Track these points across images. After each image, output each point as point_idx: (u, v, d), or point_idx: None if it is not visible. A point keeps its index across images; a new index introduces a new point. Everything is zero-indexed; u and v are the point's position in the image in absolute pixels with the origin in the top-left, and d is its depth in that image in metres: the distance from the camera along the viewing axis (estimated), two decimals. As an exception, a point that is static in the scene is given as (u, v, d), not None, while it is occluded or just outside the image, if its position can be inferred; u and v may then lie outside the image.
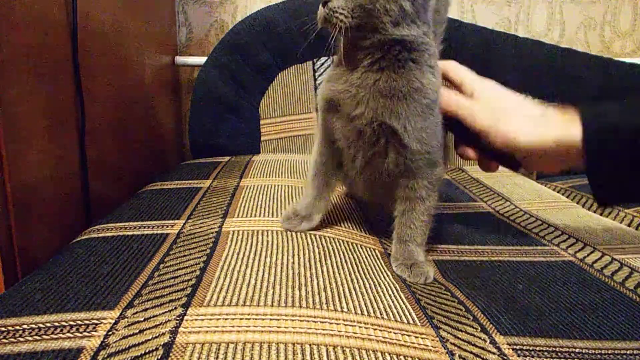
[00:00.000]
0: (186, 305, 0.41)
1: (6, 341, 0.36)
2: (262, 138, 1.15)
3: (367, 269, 0.52)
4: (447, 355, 0.38)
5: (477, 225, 0.72)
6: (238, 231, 0.58)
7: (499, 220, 0.75)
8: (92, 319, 0.39)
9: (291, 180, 0.83)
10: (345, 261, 0.53)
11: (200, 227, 0.60)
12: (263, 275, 0.47)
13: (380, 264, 0.55)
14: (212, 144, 1.13)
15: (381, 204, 0.66)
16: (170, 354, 0.34)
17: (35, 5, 0.60)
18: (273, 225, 0.61)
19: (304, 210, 0.61)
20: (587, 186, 0.98)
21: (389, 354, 0.36)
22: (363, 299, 0.45)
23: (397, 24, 0.51)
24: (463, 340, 0.41)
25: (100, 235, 0.58)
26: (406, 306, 0.45)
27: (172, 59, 1.21)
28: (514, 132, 0.53)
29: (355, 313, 0.42)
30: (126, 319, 0.39)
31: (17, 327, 0.38)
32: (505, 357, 0.39)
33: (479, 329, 0.43)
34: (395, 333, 0.40)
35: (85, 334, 0.37)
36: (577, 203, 0.89)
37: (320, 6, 0.52)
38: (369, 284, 0.48)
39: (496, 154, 0.58)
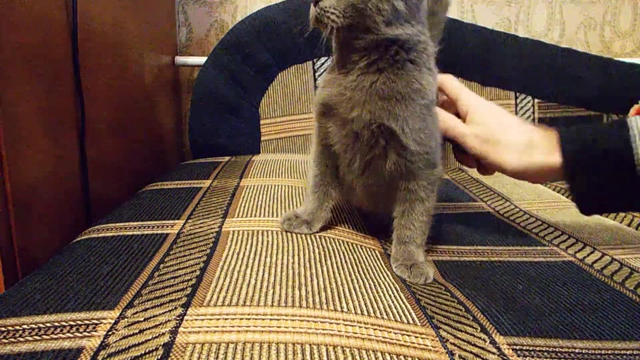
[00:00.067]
0: (186, 305, 0.41)
1: (6, 341, 0.36)
2: (262, 138, 1.15)
3: (367, 269, 0.52)
4: (447, 355, 0.38)
5: (477, 225, 0.72)
6: (238, 231, 0.58)
7: (499, 220, 0.75)
8: (92, 319, 0.39)
9: (291, 180, 0.83)
10: (345, 261, 0.53)
11: (200, 227, 0.60)
12: (263, 275, 0.47)
13: (380, 264, 0.55)
14: (212, 144, 1.13)
15: (380, 213, 0.66)
16: (170, 354, 0.34)
17: (35, 5, 0.60)
18: (273, 225, 0.61)
19: (305, 215, 0.61)
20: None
21: (389, 354, 0.37)
22: (363, 299, 0.45)
23: (390, 24, 0.51)
24: (463, 340, 0.41)
25: (100, 235, 0.58)
26: (406, 306, 0.45)
27: (172, 59, 1.21)
28: (502, 161, 0.58)
29: (355, 313, 0.42)
30: (126, 319, 0.39)
31: (17, 327, 0.38)
32: (505, 357, 0.39)
33: (479, 329, 0.43)
34: (395, 333, 0.40)
35: (85, 334, 0.37)
36: (577, 203, 0.89)
37: (312, 5, 0.52)
38: (369, 284, 0.48)
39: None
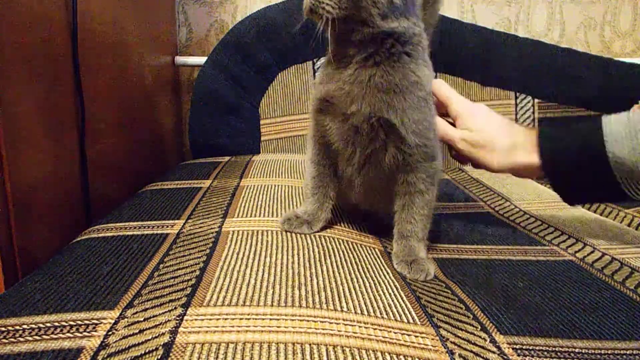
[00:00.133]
0: (186, 305, 0.41)
1: (6, 341, 0.36)
2: (262, 138, 1.15)
3: (367, 268, 0.52)
4: (447, 354, 0.38)
5: (477, 224, 0.72)
6: (238, 231, 0.58)
7: (498, 220, 0.75)
8: (92, 319, 0.39)
9: (291, 180, 0.83)
10: (345, 260, 0.53)
11: (200, 227, 0.60)
12: (263, 275, 0.47)
13: (380, 262, 0.55)
14: (212, 144, 1.13)
15: (379, 212, 0.65)
16: (170, 354, 0.34)
17: (35, 5, 0.60)
18: (273, 225, 0.61)
19: (305, 216, 0.61)
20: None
21: (389, 353, 0.36)
22: (363, 299, 0.45)
23: (386, 17, 0.51)
24: (463, 339, 0.40)
25: (100, 235, 0.58)
26: (406, 305, 0.45)
27: (172, 59, 1.21)
28: (489, 163, 0.62)
29: (355, 312, 0.42)
30: (126, 319, 0.39)
31: (17, 327, 0.38)
32: (505, 357, 0.39)
33: (479, 328, 0.43)
34: (395, 332, 0.40)
35: (85, 334, 0.37)
36: (577, 203, 0.89)
37: None
38: (369, 283, 0.48)
39: None
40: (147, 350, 0.35)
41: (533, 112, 1.21)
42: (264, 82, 1.15)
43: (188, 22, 1.29)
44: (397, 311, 0.43)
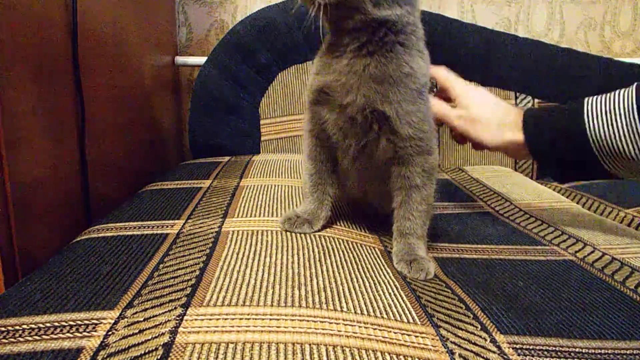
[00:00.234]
0: (186, 305, 0.41)
1: (6, 341, 0.36)
2: (262, 138, 1.15)
3: (367, 268, 0.52)
4: (447, 354, 0.38)
5: (477, 224, 0.72)
6: (238, 231, 0.58)
7: (499, 220, 0.75)
8: (92, 319, 0.39)
9: (291, 180, 0.83)
10: (345, 260, 0.53)
11: (200, 227, 0.60)
12: (263, 275, 0.47)
13: (380, 262, 0.55)
14: (212, 144, 1.13)
15: (376, 204, 0.66)
16: (170, 354, 0.34)
17: (35, 5, 0.60)
18: (273, 225, 0.61)
19: (305, 215, 0.61)
20: (586, 186, 0.99)
21: (389, 353, 0.36)
22: (363, 299, 0.45)
23: (378, 4, 0.50)
24: (463, 339, 0.40)
25: (100, 235, 0.58)
26: (406, 305, 0.45)
27: (172, 59, 1.21)
28: (481, 138, 0.66)
29: (355, 312, 0.42)
30: (126, 319, 0.39)
31: (17, 327, 0.38)
32: (505, 356, 0.39)
33: (480, 327, 0.43)
34: (395, 332, 0.40)
35: (85, 334, 0.37)
36: (577, 203, 0.89)
37: None
38: (369, 283, 0.48)
39: None
40: (147, 350, 0.35)
41: (533, 112, 1.21)
42: (264, 82, 1.15)
43: (188, 22, 1.29)
44: (397, 311, 0.43)
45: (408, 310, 0.44)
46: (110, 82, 0.83)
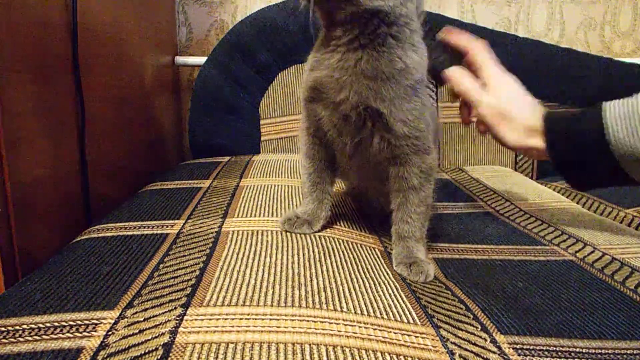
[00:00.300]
0: (186, 305, 0.41)
1: (6, 341, 0.36)
2: (262, 138, 1.15)
3: (367, 268, 0.52)
4: (448, 354, 0.38)
5: (477, 224, 0.72)
6: (238, 231, 0.58)
7: (498, 220, 0.75)
8: (92, 319, 0.39)
9: (291, 180, 0.83)
10: (345, 260, 0.53)
11: (200, 227, 0.60)
12: (263, 275, 0.47)
13: (380, 262, 0.55)
14: (212, 144, 1.13)
15: (377, 202, 0.66)
16: (170, 354, 0.34)
17: (35, 6, 0.60)
18: (273, 225, 0.61)
19: (305, 216, 0.60)
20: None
21: (389, 353, 0.36)
22: (363, 299, 0.45)
23: None
24: (463, 339, 0.40)
25: (100, 235, 0.58)
26: (406, 305, 0.45)
27: (172, 59, 1.21)
28: (506, 137, 0.64)
29: (355, 313, 0.42)
30: (126, 319, 0.39)
31: (17, 327, 0.38)
32: (505, 357, 0.39)
33: (480, 328, 0.43)
34: (395, 333, 0.40)
35: (85, 334, 0.37)
36: (577, 203, 0.89)
37: None
38: (369, 283, 0.48)
39: None
40: (147, 350, 0.35)
41: (533, 112, 1.21)
42: (264, 82, 1.15)
43: (188, 22, 1.29)
44: (397, 311, 0.43)
45: (408, 310, 0.44)
46: (110, 82, 0.83)
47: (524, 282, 0.53)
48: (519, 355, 0.39)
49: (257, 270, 0.48)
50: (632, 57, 1.38)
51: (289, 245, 0.55)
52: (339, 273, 0.49)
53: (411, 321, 0.42)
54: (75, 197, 0.71)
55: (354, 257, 0.55)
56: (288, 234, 0.59)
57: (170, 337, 0.36)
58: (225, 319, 0.39)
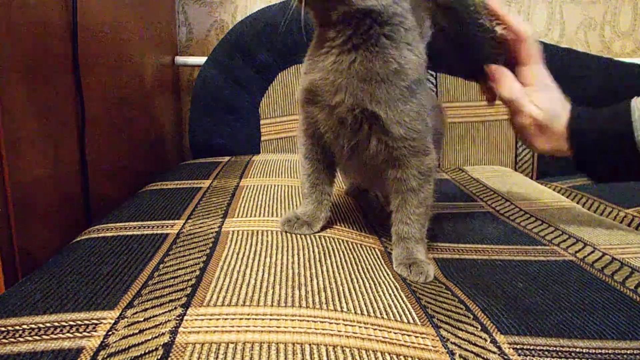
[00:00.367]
0: (186, 305, 0.41)
1: (6, 341, 0.36)
2: (262, 138, 1.15)
3: (367, 268, 0.52)
4: (448, 354, 0.38)
5: (477, 224, 0.72)
6: (238, 231, 0.58)
7: (498, 220, 0.75)
8: (92, 319, 0.39)
9: (291, 180, 0.83)
10: (345, 261, 0.53)
11: (200, 227, 0.60)
12: (263, 275, 0.47)
13: (380, 263, 0.55)
14: (212, 144, 1.13)
15: (376, 195, 0.65)
16: (170, 354, 0.34)
17: (35, 6, 0.60)
18: (273, 225, 0.61)
19: (305, 217, 0.60)
20: (587, 186, 0.99)
21: (389, 353, 0.36)
22: (363, 299, 0.45)
23: None
24: (463, 339, 0.40)
25: (100, 235, 0.58)
26: (406, 305, 0.45)
27: (172, 59, 1.21)
28: (537, 146, 0.64)
29: (355, 313, 0.42)
30: (126, 319, 0.39)
31: (17, 327, 0.38)
32: (505, 357, 0.39)
33: (480, 328, 0.43)
34: (395, 333, 0.40)
35: (85, 334, 0.37)
36: (577, 203, 0.89)
37: None
38: (369, 283, 0.48)
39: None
40: (147, 351, 0.35)
41: (533, 112, 1.21)
42: (264, 82, 1.15)
43: (188, 22, 1.29)
44: (398, 312, 0.43)
45: (408, 310, 0.44)
46: (110, 82, 0.83)
47: (524, 282, 0.53)
48: (519, 355, 0.39)
49: (257, 270, 0.48)
50: (632, 57, 1.38)
51: (289, 246, 0.55)
52: (339, 273, 0.49)
53: (411, 321, 0.42)
54: (75, 197, 0.71)
55: (354, 257, 0.55)
56: (288, 234, 0.59)
57: (170, 337, 0.36)
58: (226, 319, 0.39)
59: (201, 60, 1.18)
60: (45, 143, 0.63)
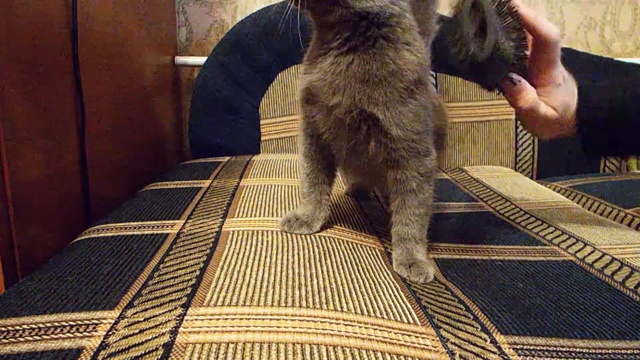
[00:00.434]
0: (186, 305, 0.41)
1: (6, 341, 0.36)
2: (262, 138, 1.15)
3: (367, 269, 0.52)
4: (448, 355, 0.38)
5: (477, 225, 0.72)
6: (238, 231, 0.58)
7: (499, 220, 0.75)
8: (92, 319, 0.39)
9: (291, 180, 0.83)
10: (345, 261, 0.53)
11: (200, 227, 0.60)
12: (263, 275, 0.47)
13: (380, 263, 0.55)
14: (212, 144, 1.13)
15: (376, 195, 0.65)
16: (170, 354, 0.34)
17: (35, 6, 0.60)
18: (273, 225, 0.61)
19: (304, 217, 0.60)
20: (587, 186, 0.99)
21: (389, 353, 0.36)
22: (363, 299, 0.45)
23: None
24: (463, 339, 0.40)
25: (100, 235, 0.58)
26: (406, 306, 0.45)
27: (172, 59, 1.21)
28: (544, 135, 0.63)
29: (355, 313, 0.42)
30: (126, 319, 0.39)
31: (17, 327, 0.38)
32: (505, 357, 0.39)
33: (480, 328, 0.43)
34: (395, 333, 0.40)
35: (85, 334, 0.37)
36: (577, 203, 0.89)
37: None
38: (369, 283, 0.48)
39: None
40: (147, 350, 0.35)
41: (533, 112, 1.21)
42: (264, 82, 1.15)
43: (188, 22, 1.29)
44: (398, 312, 0.43)
45: (408, 311, 0.44)
46: (110, 82, 0.83)
47: (524, 282, 0.53)
48: (519, 355, 0.39)
49: (258, 270, 0.48)
50: (632, 57, 1.38)
51: (289, 245, 0.55)
52: (339, 273, 0.49)
53: (411, 321, 0.42)
54: (75, 197, 0.71)
55: (354, 257, 0.55)
56: (288, 234, 0.59)
57: (170, 337, 0.36)
58: (226, 319, 0.39)
59: (201, 60, 1.18)
60: (45, 143, 0.63)
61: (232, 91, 1.13)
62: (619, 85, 0.60)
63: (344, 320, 0.40)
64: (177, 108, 1.27)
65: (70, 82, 0.69)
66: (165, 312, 0.40)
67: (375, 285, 0.48)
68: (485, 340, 0.41)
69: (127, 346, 0.36)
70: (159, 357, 0.34)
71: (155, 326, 0.38)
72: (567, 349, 0.40)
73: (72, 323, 0.38)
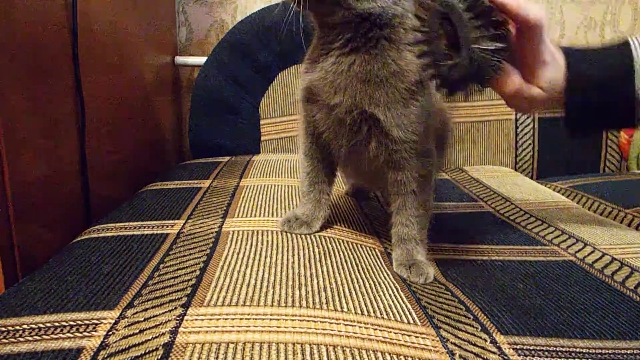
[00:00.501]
0: (186, 305, 0.41)
1: (6, 341, 0.36)
2: (262, 138, 1.15)
3: (367, 269, 0.52)
4: (448, 355, 0.38)
5: (477, 225, 0.72)
6: (238, 231, 0.58)
7: (499, 220, 0.75)
8: (92, 319, 0.39)
9: (291, 180, 0.83)
10: (345, 261, 0.53)
11: (200, 227, 0.60)
12: (263, 275, 0.47)
13: (380, 263, 0.55)
14: (212, 144, 1.13)
15: (376, 190, 0.65)
16: (170, 354, 0.34)
17: (35, 5, 0.60)
18: (273, 225, 0.61)
19: (304, 217, 0.60)
20: (587, 186, 0.99)
21: (389, 354, 0.36)
22: (363, 299, 0.45)
23: None
24: (463, 339, 0.40)
25: (100, 235, 0.58)
26: (406, 306, 0.45)
27: (172, 59, 1.21)
28: (524, 110, 0.62)
29: (355, 313, 0.42)
30: (126, 319, 0.39)
31: (17, 327, 0.38)
32: (506, 357, 0.39)
33: (480, 328, 0.43)
34: (395, 333, 0.40)
35: (85, 334, 0.37)
36: (577, 203, 0.89)
37: None
38: (369, 283, 0.48)
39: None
40: (147, 350, 0.35)
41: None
42: (264, 82, 1.15)
43: (188, 22, 1.29)
44: (398, 312, 0.43)
45: (408, 311, 0.44)
46: (110, 82, 0.83)
47: (523, 282, 0.53)
48: (519, 355, 0.39)
49: (258, 270, 0.48)
50: (632, 57, 1.38)
51: (289, 245, 0.55)
52: (339, 273, 0.49)
53: (411, 321, 0.42)
54: (75, 197, 0.71)
55: (354, 257, 0.55)
56: (288, 234, 0.59)
57: (170, 337, 0.36)
58: (226, 319, 0.39)
59: (201, 60, 1.18)
60: (45, 143, 0.63)
61: (232, 91, 1.13)
62: (609, 53, 0.59)
63: (344, 320, 0.40)
64: (177, 108, 1.27)
65: (70, 82, 0.69)
66: (165, 312, 0.40)
67: (375, 285, 0.48)
68: (485, 341, 0.41)
69: (127, 346, 0.36)
70: (159, 357, 0.34)
71: (155, 326, 0.38)
72: (567, 349, 0.40)
73: (72, 323, 0.38)
